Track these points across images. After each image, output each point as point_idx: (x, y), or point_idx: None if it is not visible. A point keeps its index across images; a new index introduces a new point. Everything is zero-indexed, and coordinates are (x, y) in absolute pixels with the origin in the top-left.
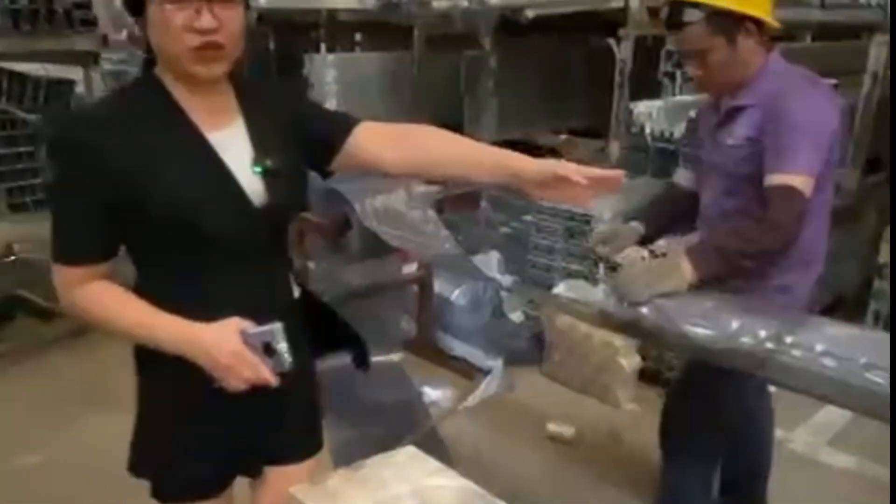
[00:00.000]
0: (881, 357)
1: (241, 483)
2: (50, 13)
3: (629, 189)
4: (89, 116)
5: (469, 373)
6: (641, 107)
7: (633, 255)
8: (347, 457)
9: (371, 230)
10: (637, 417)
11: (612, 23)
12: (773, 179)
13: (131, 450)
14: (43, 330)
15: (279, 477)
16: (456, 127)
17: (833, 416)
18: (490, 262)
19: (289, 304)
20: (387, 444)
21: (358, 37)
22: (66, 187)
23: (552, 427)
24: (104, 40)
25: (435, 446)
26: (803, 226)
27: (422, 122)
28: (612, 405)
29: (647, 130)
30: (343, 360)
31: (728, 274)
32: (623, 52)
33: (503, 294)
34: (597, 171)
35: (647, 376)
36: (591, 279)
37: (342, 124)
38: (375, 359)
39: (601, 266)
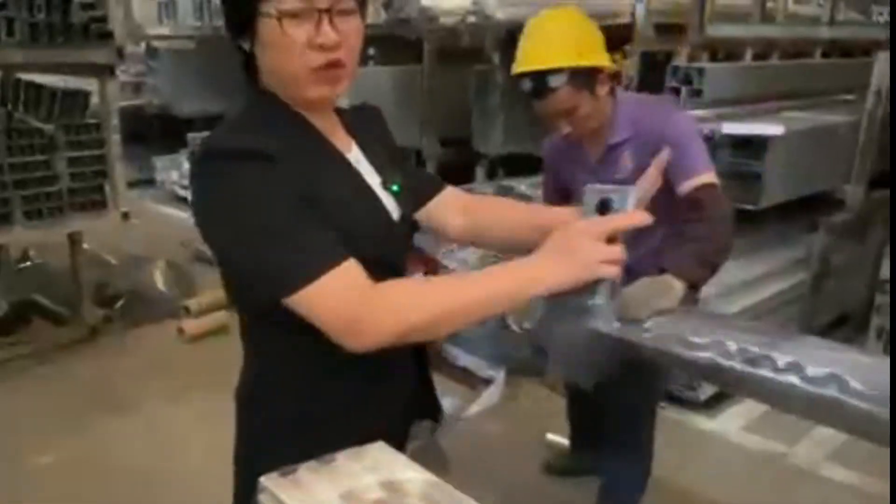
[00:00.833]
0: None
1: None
2: (67, 26)
3: None
4: (253, 132)
5: (472, 382)
6: None
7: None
8: None
9: None
10: None
11: (619, 38)
12: (690, 185)
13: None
14: (57, 334)
15: None
16: (464, 139)
17: (832, 430)
18: None
19: None
20: None
21: (371, 51)
22: (268, 196)
23: (551, 437)
24: (119, 53)
25: (434, 453)
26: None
27: (430, 134)
28: None
29: None
30: None
31: (707, 278)
32: (629, 67)
33: None
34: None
35: None
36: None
37: (434, 181)
38: None
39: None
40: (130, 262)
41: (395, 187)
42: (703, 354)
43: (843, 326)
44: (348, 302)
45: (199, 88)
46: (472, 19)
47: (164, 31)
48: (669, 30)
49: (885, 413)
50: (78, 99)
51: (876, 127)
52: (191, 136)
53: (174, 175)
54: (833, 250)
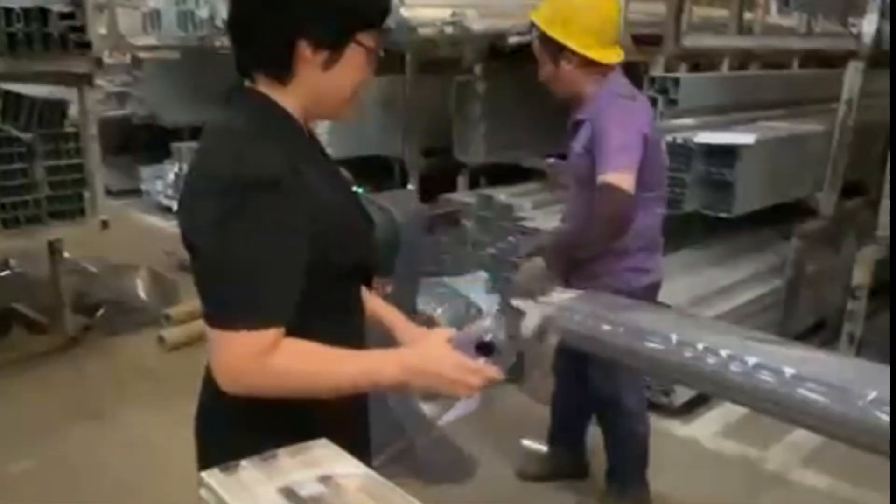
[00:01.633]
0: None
1: None
2: (45, 36)
3: None
4: (267, 151)
5: None
6: None
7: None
8: None
9: None
10: None
11: None
12: (598, 179)
13: None
14: (36, 342)
15: None
16: (446, 149)
17: (806, 435)
18: (477, 282)
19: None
20: None
21: None
22: (268, 231)
23: (527, 443)
24: (98, 62)
25: (410, 458)
26: (633, 215)
27: (412, 144)
28: None
29: None
30: None
31: (571, 266)
32: None
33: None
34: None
35: None
36: None
37: None
38: None
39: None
40: (112, 271)
41: (361, 189)
42: (657, 347)
43: (819, 332)
44: (243, 366)
45: (184, 99)
46: (449, 30)
47: (149, 41)
48: (646, 40)
49: (852, 412)
50: (57, 108)
51: (848, 136)
52: (175, 145)
53: (159, 185)
54: (807, 257)
